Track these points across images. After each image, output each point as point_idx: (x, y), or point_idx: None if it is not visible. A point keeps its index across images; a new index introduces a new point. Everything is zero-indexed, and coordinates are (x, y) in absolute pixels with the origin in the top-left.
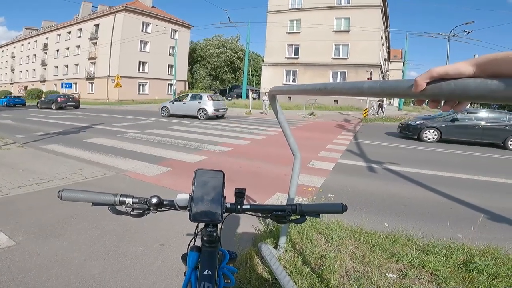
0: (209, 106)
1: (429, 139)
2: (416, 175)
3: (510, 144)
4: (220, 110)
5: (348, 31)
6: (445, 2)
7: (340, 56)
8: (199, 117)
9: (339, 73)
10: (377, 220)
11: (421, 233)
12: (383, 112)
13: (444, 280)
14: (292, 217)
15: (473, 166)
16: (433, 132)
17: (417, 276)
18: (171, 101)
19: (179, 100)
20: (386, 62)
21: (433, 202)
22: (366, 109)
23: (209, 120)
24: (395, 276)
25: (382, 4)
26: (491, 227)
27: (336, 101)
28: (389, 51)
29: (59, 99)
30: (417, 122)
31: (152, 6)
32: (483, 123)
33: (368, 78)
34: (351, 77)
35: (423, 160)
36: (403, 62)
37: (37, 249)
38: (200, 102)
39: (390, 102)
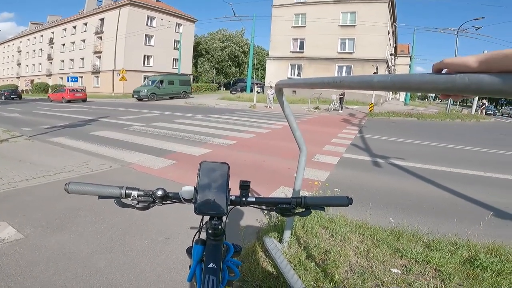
0: None
1: None
2: (422, 170)
3: None
4: None
5: (354, 26)
6: None
7: (346, 51)
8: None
9: (344, 68)
10: (382, 215)
11: (426, 229)
12: (341, 108)
13: (448, 276)
14: (297, 210)
15: (480, 162)
16: None
17: (421, 272)
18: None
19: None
20: (393, 57)
21: (439, 198)
22: (372, 103)
23: (214, 114)
24: (399, 272)
25: None
26: (497, 224)
27: None
28: (396, 46)
29: (5, 93)
30: None
31: (157, 0)
32: None
33: (374, 73)
34: (357, 72)
35: (429, 155)
36: (410, 57)
37: (44, 242)
38: None
39: (396, 97)
